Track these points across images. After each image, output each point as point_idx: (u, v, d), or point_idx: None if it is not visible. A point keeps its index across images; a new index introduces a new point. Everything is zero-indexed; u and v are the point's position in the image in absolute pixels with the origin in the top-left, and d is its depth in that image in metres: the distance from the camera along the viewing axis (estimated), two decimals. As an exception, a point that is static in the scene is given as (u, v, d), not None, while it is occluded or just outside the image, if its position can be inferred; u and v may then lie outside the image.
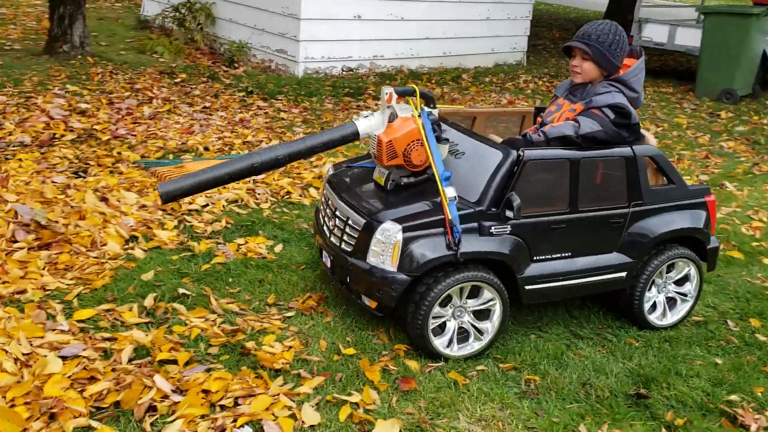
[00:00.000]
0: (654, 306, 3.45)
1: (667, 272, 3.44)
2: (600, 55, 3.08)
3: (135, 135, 5.58)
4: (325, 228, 3.26)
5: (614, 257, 3.24)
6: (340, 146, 3.44)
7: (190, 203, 4.30)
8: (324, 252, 3.25)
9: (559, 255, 3.13)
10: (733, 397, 2.93)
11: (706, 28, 9.17)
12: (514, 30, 10.67)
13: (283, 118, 6.61)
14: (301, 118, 6.63)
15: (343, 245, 3.08)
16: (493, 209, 2.92)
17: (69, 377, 2.59)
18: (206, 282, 3.47)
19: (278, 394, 2.65)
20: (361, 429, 2.56)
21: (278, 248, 3.91)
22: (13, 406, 2.41)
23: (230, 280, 3.53)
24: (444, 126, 3.23)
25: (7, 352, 2.64)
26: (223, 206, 4.36)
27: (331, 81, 8.17)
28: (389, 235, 2.87)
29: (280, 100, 7.26)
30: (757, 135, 7.52)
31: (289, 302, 3.38)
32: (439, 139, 3.08)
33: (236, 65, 8.34)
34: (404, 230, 2.87)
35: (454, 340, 3.03)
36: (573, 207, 3.07)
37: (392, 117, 3.06)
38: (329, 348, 3.02)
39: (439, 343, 2.99)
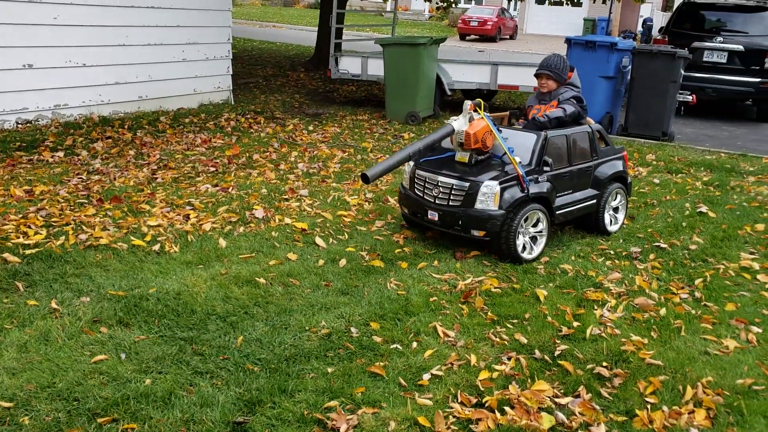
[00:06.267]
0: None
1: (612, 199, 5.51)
2: (557, 75, 5.28)
3: None
4: (427, 197, 4.93)
5: (590, 191, 5.31)
6: (445, 139, 4.97)
7: None
8: (429, 212, 4.90)
9: (567, 192, 5.11)
10: (332, 403, 3.07)
11: (386, 59, 9.98)
12: (215, 70, 10.68)
13: (-74, 184, 5.83)
14: (-52, 181, 5.91)
15: (450, 203, 4.79)
16: (537, 167, 4.84)
17: None
18: None
19: None
20: None
21: None
22: None
23: None
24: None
25: None
26: None
27: (1, 136, 7.45)
28: (491, 188, 4.65)
29: (-72, 163, 6.42)
30: (431, 151, 8.28)
31: None
32: (498, 130, 4.88)
33: None
34: (500, 184, 4.65)
35: (525, 246, 4.84)
36: (570, 162, 5.12)
37: (471, 119, 4.82)
38: None
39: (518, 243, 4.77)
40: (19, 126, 8.03)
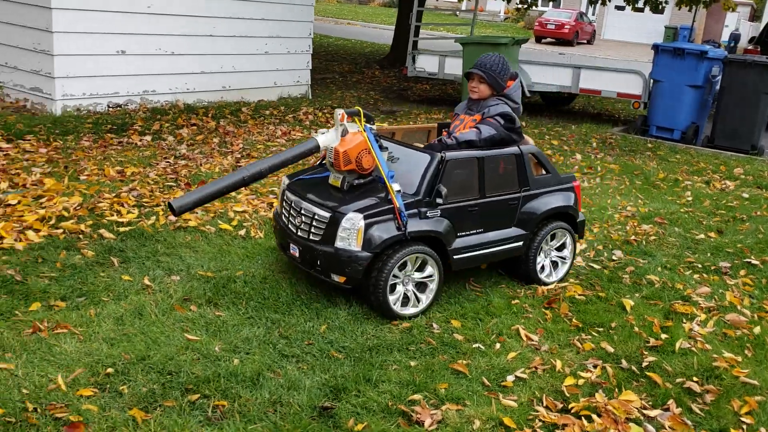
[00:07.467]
0: (543, 268, 4.40)
1: (550, 241, 4.38)
2: (492, 79, 4.10)
3: None
4: (290, 226, 3.92)
5: (513, 231, 4.19)
6: (307, 157, 4.07)
7: None
8: (291, 245, 3.88)
9: (475, 231, 4.02)
10: (415, 396, 3.07)
11: (465, 58, 9.92)
12: (296, 64, 10.85)
13: (27, 159, 6.14)
14: (47, 158, 6.19)
15: (311, 236, 3.76)
16: (427, 198, 3.76)
17: None
18: None
19: None
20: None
21: (-30, 298, 3.56)
22: None
23: None
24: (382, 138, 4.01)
25: None
26: None
27: (93, 118, 7.77)
28: (353, 222, 3.60)
29: (29, 140, 6.75)
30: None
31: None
32: (381, 148, 3.84)
33: (-19, 106, 7.66)
34: (365, 218, 3.61)
35: (399, 300, 3.79)
36: (482, 193, 3.99)
37: (344, 132, 3.80)
38: (-7, 400, 2.77)
39: (391, 299, 3.72)
40: (110, 109, 8.35)
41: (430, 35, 22.46)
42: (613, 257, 5.04)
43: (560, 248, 4.46)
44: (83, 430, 2.65)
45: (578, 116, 11.63)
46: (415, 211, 3.72)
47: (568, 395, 3.20)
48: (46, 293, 3.70)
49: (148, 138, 7.30)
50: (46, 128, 7.13)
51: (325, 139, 3.84)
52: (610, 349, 3.64)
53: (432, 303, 3.90)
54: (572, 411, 3.07)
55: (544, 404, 3.11)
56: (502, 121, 4.02)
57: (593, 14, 36.50)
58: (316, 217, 3.74)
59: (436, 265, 3.83)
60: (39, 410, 2.74)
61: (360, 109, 3.85)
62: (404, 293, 3.81)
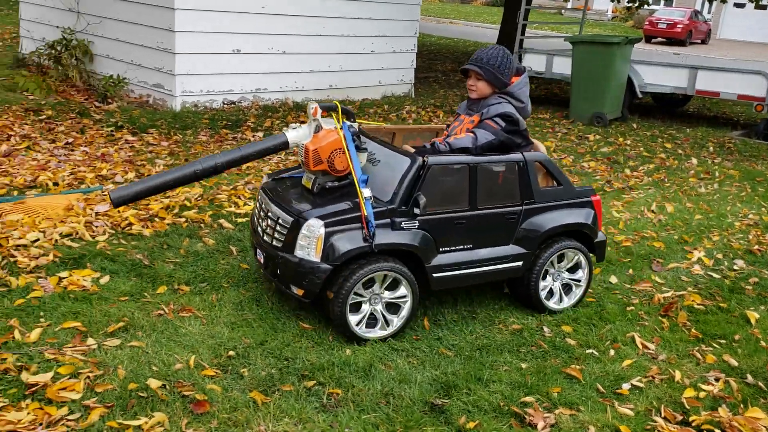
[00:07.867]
0: (551, 292, 3.89)
1: (558, 262, 3.87)
2: (491, 75, 3.63)
3: (-17, 172, 5.39)
4: (259, 228, 3.64)
5: (510, 249, 3.69)
6: (272, 154, 3.65)
7: (20, 238, 4.16)
8: (258, 250, 3.61)
9: (462, 247, 3.56)
10: (528, 398, 3.04)
11: (575, 57, 9.67)
12: (400, 63, 10.94)
13: (150, 152, 6.53)
14: (169, 151, 6.56)
15: (274, 242, 3.46)
16: (403, 207, 3.34)
17: None
18: (15, 316, 3.34)
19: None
20: (140, 453, 2.51)
21: (104, 280, 3.83)
22: None
23: (41, 314, 3.41)
24: (364, 138, 3.62)
25: None
26: (55, 240, 4.24)
27: (210, 114, 8.15)
28: (313, 230, 3.26)
29: (152, 133, 7.17)
30: (618, 155, 7.93)
31: (99, 334, 3.30)
32: (359, 149, 3.49)
33: (110, 100, 8.20)
34: (326, 225, 3.26)
35: (364, 322, 3.41)
36: (472, 205, 3.53)
37: (318, 128, 3.46)
38: (127, 377, 2.96)
39: (353, 320, 3.35)
40: (225, 106, 8.73)
41: (534, 34, 22.04)
42: (734, 267, 4.78)
43: (573, 270, 3.93)
44: (208, 409, 2.79)
45: (693, 119, 11.08)
46: (388, 221, 3.32)
47: (688, 407, 3.06)
48: (171, 277, 3.93)
49: (260, 134, 7.58)
50: (167, 123, 7.54)
51: (296, 135, 3.49)
52: (734, 363, 3.46)
53: (403, 327, 3.48)
54: (693, 424, 2.94)
55: (663, 415, 3.00)
56: (502, 123, 3.56)
57: (709, 12, 34.62)
58: (279, 221, 3.42)
59: (410, 285, 3.41)
60: (167, 387, 2.92)
61: (338, 103, 3.49)
62: (372, 313, 3.43)
